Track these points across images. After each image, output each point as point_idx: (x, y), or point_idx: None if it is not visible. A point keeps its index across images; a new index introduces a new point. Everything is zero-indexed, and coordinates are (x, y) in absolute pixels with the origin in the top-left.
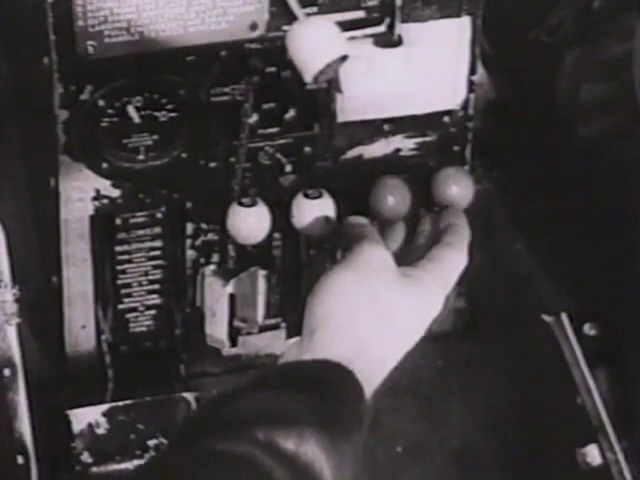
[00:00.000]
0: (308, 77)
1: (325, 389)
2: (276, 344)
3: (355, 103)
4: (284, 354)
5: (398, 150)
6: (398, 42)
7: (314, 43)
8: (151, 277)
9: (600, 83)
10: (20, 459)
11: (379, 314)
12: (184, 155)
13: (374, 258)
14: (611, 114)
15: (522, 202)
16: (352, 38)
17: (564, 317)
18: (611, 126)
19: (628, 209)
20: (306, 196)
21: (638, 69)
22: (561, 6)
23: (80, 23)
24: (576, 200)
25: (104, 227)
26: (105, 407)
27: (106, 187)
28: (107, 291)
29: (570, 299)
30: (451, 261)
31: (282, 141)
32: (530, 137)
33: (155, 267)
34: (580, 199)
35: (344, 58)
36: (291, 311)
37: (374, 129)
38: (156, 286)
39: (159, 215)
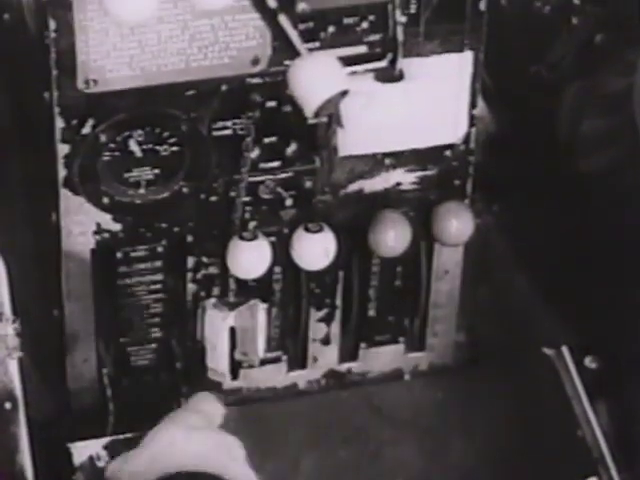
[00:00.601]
0: (309, 112)
1: None
2: (277, 377)
3: (356, 137)
4: None
5: (399, 184)
6: (400, 77)
7: (315, 78)
8: (152, 310)
9: (601, 117)
10: None
11: None
12: (185, 189)
13: None
14: (612, 148)
15: (522, 235)
16: (353, 73)
17: (565, 350)
18: (612, 160)
19: (629, 242)
20: (307, 230)
21: (639, 104)
22: (562, 41)
23: (82, 58)
24: (577, 233)
25: (105, 261)
26: (106, 440)
27: (107, 221)
28: (108, 324)
29: (571, 332)
30: None
31: (283, 175)
32: (530, 171)
33: (156, 300)
34: (581, 232)
35: (345, 93)
36: (291, 344)
37: (375, 163)
38: (157, 319)
39: (160, 249)
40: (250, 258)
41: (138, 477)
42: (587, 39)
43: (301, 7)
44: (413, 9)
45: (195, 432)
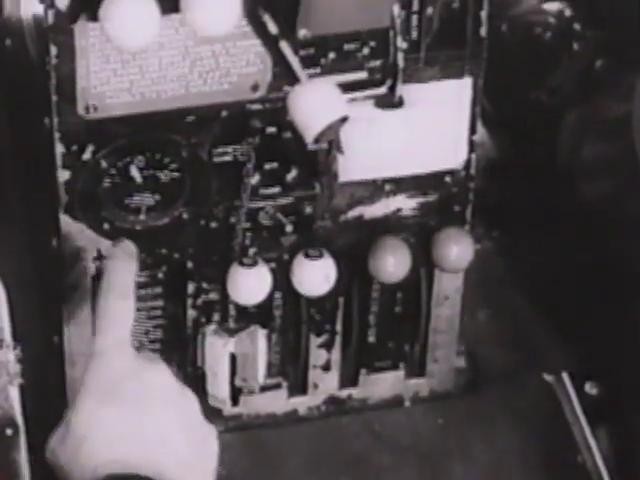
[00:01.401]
0: (309, 138)
1: None
2: (277, 403)
3: (356, 163)
4: None
5: (399, 210)
6: (399, 103)
7: (315, 105)
8: (152, 336)
9: (601, 142)
10: None
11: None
12: (185, 215)
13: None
14: (613, 173)
15: (522, 261)
16: (353, 99)
17: (565, 376)
18: (613, 185)
19: (629, 268)
20: (307, 256)
21: (638, 131)
22: (563, 67)
23: (82, 84)
24: (577, 259)
25: None
26: None
27: (107, 247)
28: None
29: (571, 358)
30: None
31: (283, 201)
32: (531, 196)
33: (156, 326)
34: (581, 258)
35: (345, 119)
36: (292, 371)
37: (375, 189)
38: (157, 345)
39: (160, 275)
40: (250, 284)
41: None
42: (587, 64)
43: (302, 33)
44: (414, 35)
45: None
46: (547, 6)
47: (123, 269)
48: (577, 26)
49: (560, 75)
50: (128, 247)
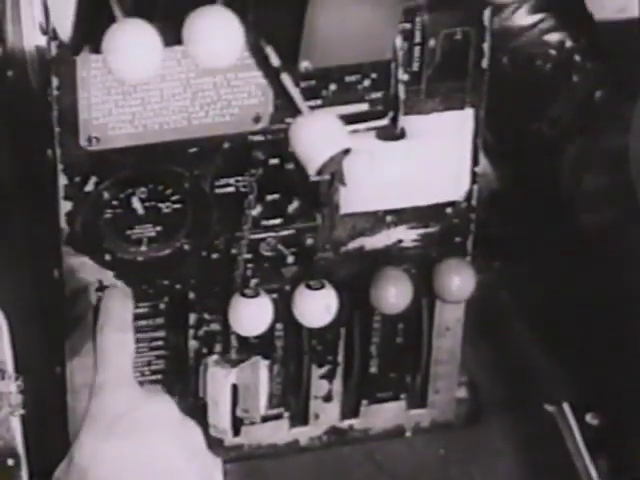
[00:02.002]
0: (311, 170)
1: None
2: (278, 434)
3: (357, 195)
4: None
5: (400, 241)
6: (401, 135)
7: (317, 137)
8: (154, 367)
9: (601, 174)
10: None
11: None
12: (187, 246)
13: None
14: (612, 205)
15: (523, 292)
16: (355, 131)
17: (566, 407)
18: (612, 217)
19: (629, 300)
20: (308, 287)
21: (635, 164)
22: (563, 98)
23: (84, 115)
24: (578, 290)
25: None
26: None
27: (109, 278)
28: None
29: (572, 389)
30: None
31: (284, 232)
32: (532, 227)
33: (158, 357)
34: (582, 290)
35: (347, 151)
36: (293, 401)
37: (376, 220)
38: (159, 376)
39: (162, 306)
40: (252, 315)
41: None
42: (587, 96)
43: (304, 66)
44: (415, 67)
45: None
46: (548, 37)
47: (119, 304)
48: (577, 57)
49: (560, 106)
50: (123, 288)
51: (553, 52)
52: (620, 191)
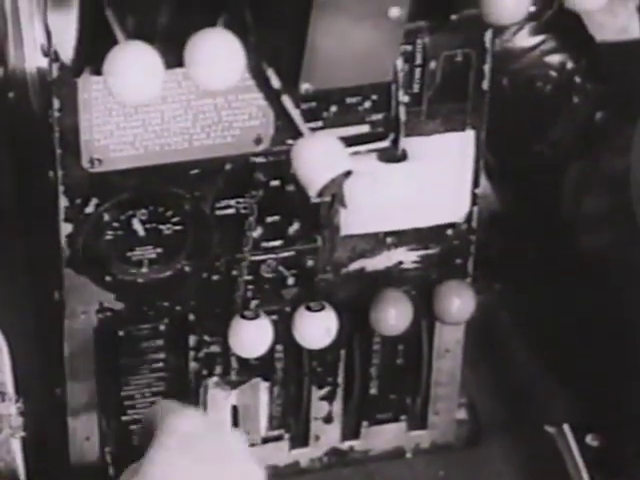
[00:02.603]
0: (312, 192)
1: None
2: (279, 455)
3: (358, 216)
4: None
5: (400, 263)
6: (402, 157)
7: (318, 159)
8: (154, 389)
9: (602, 196)
10: None
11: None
12: (187, 268)
13: (185, 422)
14: (613, 227)
15: (523, 313)
16: (356, 153)
17: (566, 428)
18: (612, 239)
19: (630, 321)
20: (308, 309)
21: (635, 186)
22: (563, 120)
23: (86, 137)
24: (578, 311)
25: (107, 340)
26: None
27: (109, 300)
28: (111, 403)
29: (572, 410)
30: None
31: (285, 254)
32: (532, 249)
33: (158, 379)
34: (582, 311)
35: (348, 173)
36: (293, 423)
37: (377, 242)
38: (159, 398)
39: (162, 327)
40: (252, 337)
41: None
42: (588, 117)
43: (305, 87)
44: (416, 89)
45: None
46: (549, 59)
47: None
48: (578, 79)
49: (561, 128)
50: None
51: (554, 74)
52: (620, 213)
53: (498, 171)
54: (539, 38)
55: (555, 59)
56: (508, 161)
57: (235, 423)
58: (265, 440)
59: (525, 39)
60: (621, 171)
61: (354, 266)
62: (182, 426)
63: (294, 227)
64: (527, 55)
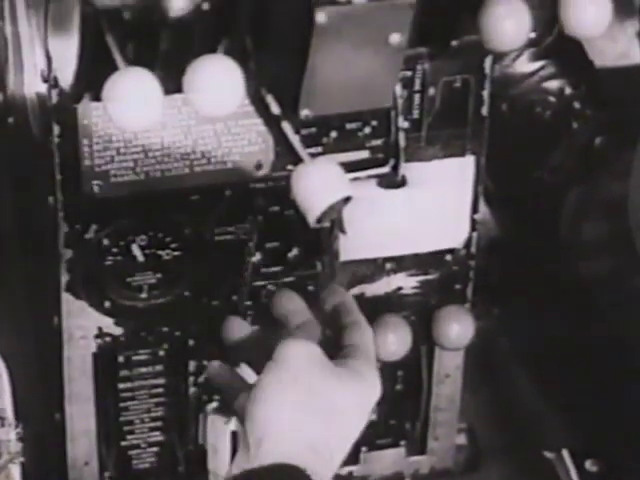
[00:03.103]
0: (312, 218)
1: None
2: None
3: (357, 242)
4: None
5: (400, 288)
6: (402, 183)
7: (318, 185)
8: (153, 414)
9: (600, 222)
10: None
11: (321, 410)
12: (187, 293)
13: (302, 354)
14: (611, 253)
15: (523, 338)
16: (356, 179)
17: (565, 453)
18: (611, 265)
19: (629, 347)
20: None
21: (633, 213)
22: (562, 145)
23: (86, 163)
24: (577, 337)
25: (107, 365)
26: None
27: (109, 325)
28: (110, 428)
29: (571, 435)
30: (365, 339)
31: (285, 280)
32: (531, 274)
33: (158, 404)
34: (581, 336)
35: (348, 199)
36: None
37: (376, 268)
38: (159, 423)
39: (161, 353)
40: None
41: None
42: (587, 143)
43: (304, 113)
44: (416, 114)
45: None
46: (548, 85)
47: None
48: (577, 105)
49: (560, 154)
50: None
51: (553, 99)
52: (619, 239)
53: (497, 197)
54: (538, 64)
55: (554, 85)
56: (507, 186)
57: (234, 449)
58: None
59: (524, 65)
60: (620, 197)
61: (354, 291)
62: (297, 359)
63: (294, 253)
64: (526, 81)
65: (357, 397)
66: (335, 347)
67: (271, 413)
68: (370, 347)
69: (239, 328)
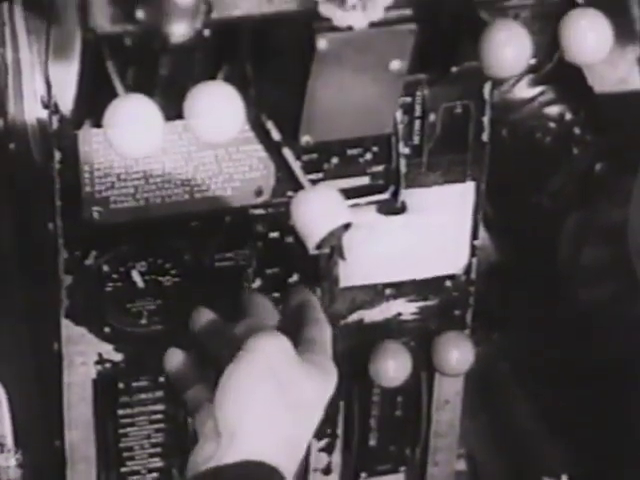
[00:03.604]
0: (311, 244)
1: None
2: None
3: (357, 268)
4: (198, 455)
5: (399, 314)
6: (402, 209)
7: (317, 212)
8: (153, 440)
9: (600, 248)
10: None
11: (292, 404)
12: (187, 319)
13: (274, 346)
14: (611, 279)
15: (522, 364)
16: (356, 205)
17: (565, 479)
18: (610, 291)
19: (628, 373)
20: None
21: (633, 238)
22: (563, 171)
23: (87, 189)
24: (577, 363)
25: (107, 391)
26: None
27: (109, 351)
28: (110, 454)
29: (571, 461)
30: (324, 335)
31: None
32: (530, 299)
33: (157, 430)
34: (581, 362)
35: (348, 226)
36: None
37: (375, 293)
38: (158, 449)
39: (161, 379)
40: None
41: None
42: (587, 168)
43: (305, 140)
44: (416, 140)
45: None
46: (548, 110)
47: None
48: (577, 130)
49: (560, 179)
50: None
51: (553, 125)
52: (618, 265)
53: (497, 222)
54: (538, 89)
55: (554, 110)
56: (507, 212)
57: None
58: None
59: (524, 90)
60: (618, 223)
61: (353, 317)
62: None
63: (293, 279)
64: (526, 106)
65: (322, 391)
66: (294, 342)
67: (244, 407)
68: (329, 343)
69: (206, 319)
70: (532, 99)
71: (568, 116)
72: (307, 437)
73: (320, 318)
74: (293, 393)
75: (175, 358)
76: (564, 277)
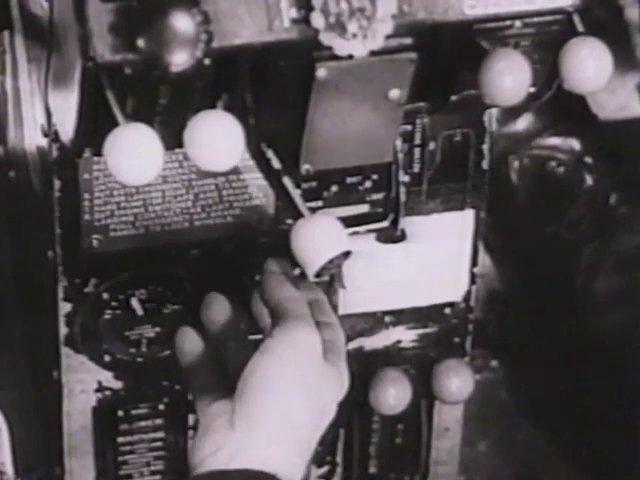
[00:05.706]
0: (311, 272)
1: None
2: None
3: (357, 296)
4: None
5: (399, 342)
6: (401, 238)
7: (317, 240)
8: (153, 468)
9: (614, 276)
10: None
11: (312, 409)
12: None
13: (305, 341)
14: (625, 307)
15: (522, 391)
16: (355, 233)
17: None
18: (624, 319)
19: (628, 401)
20: None
21: None
22: (580, 203)
23: (86, 217)
24: (577, 390)
25: (106, 418)
26: None
27: (108, 379)
28: None
29: None
30: (340, 339)
31: None
32: (530, 327)
33: (157, 458)
34: (581, 390)
35: (347, 254)
36: None
37: (375, 321)
38: (158, 477)
39: (161, 407)
40: None
41: None
42: (602, 197)
43: (305, 168)
44: (416, 168)
45: None
46: (555, 141)
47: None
48: (589, 159)
49: (577, 210)
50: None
51: (562, 156)
52: (634, 293)
53: (502, 251)
54: (545, 119)
55: (562, 140)
56: (514, 241)
57: None
58: None
59: (531, 121)
60: (633, 251)
61: (353, 345)
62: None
63: None
64: (535, 137)
65: (336, 395)
66: None
67: (266, 408)
68: (344, 347)
69: (220, 307)
70: (542, 130)
71: (577, 146)
72: (315, 441)
73: (334, 322)
74: (315, 397)
75: (186, 337)
76: (579, 305)
